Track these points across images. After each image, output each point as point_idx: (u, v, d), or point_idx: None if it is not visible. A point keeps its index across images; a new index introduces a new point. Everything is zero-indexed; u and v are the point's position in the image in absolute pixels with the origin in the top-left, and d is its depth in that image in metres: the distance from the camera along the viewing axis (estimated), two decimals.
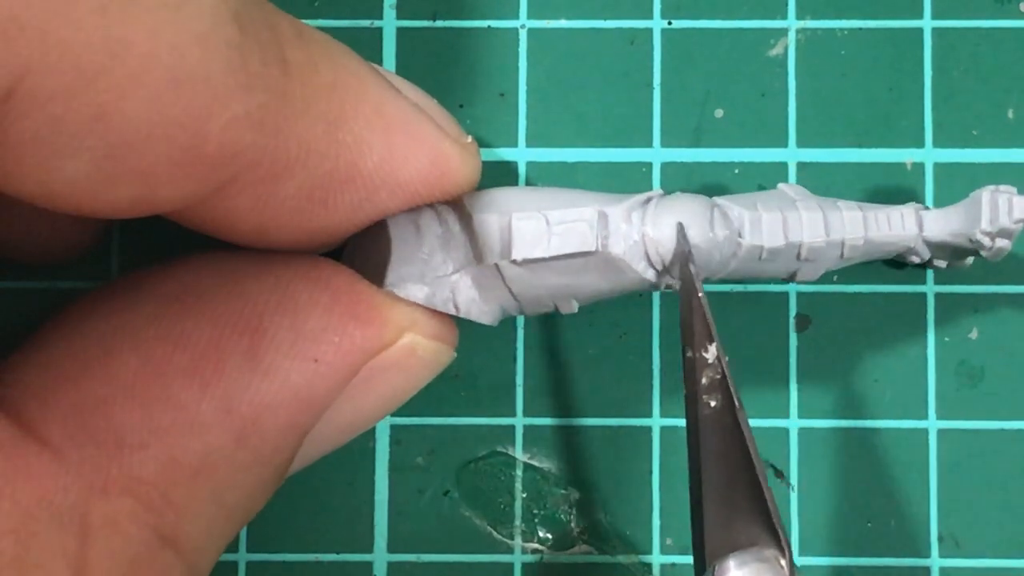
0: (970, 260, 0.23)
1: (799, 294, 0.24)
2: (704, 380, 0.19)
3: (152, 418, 0.18)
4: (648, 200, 0.20)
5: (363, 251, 0.21)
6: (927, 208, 0.22)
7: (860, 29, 0.24)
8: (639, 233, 0.20)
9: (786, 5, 0.24)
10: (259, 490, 0.19)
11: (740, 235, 0.21)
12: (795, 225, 0.21)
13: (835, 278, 0.24)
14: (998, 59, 0.24)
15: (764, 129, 0.24)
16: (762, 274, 0.21)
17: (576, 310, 0.21)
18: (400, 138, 0.19)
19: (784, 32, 0.24)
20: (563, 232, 0.20)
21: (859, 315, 0.24)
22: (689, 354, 0.19)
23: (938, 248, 0.22)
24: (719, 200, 0.21)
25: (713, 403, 0.19)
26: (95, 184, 0.16)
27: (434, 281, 0.20)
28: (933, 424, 0.24)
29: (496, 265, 0.20)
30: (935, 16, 0.24)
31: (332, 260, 0.20)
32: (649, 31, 0.24)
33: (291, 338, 0.19)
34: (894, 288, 0.24)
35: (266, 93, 0.17)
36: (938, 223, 0.22)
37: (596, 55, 0.24)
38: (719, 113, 0.24)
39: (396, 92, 0.20)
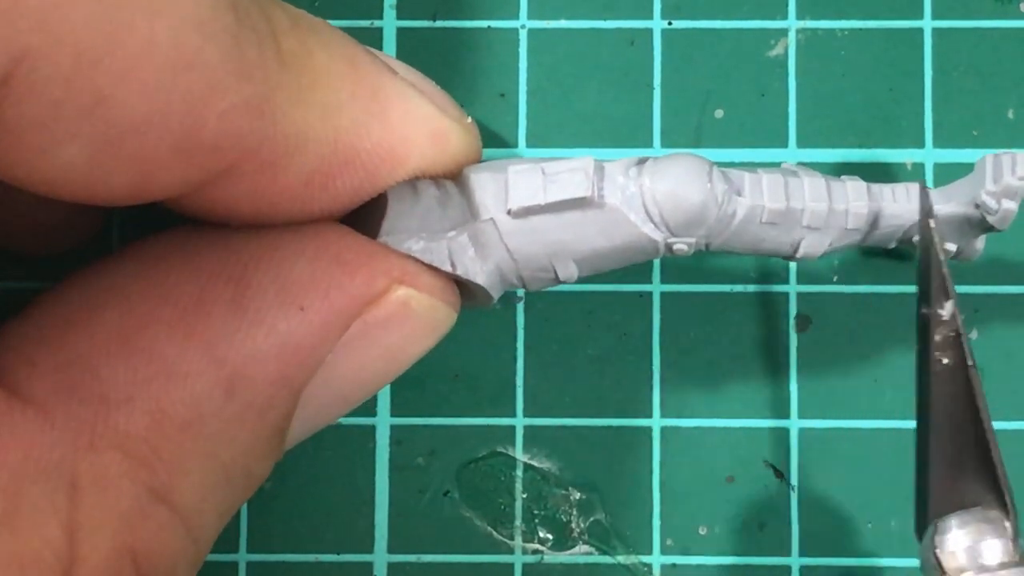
0: (980, 244, 0.22)
1: (799, 294, 0.24)
2: (938, 337, 0.19)
3: (137, 371, 0.18)
4: (646, 159, 0.20)
5: (357, 209, 0.20)
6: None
7: (860, 29, 0.24)
8: (636, 185, 0.20)
9: (786, 5, 0.24)
10: (256, 450, 0.19)
11: (739, 193, 0.20)
12: (797, 189, 0.21)
13: (835, 278, 0.24)
14: (998, 59, 0.24)
15: (764, 129, 0.24)
16: (763, 243, 0.21)
17: (576, 277, 0.21)
18: (398, 119, 0.19)
19: (784, 32, 0.24)
20: (559, 181, 0.20)
21: (859, 315, 0.24)
22: (924, 310, 0.19)
23: (945, 224, 0.22)
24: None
25: (945, 360, 0.19)
26: (92, 171, 0.16)
27: (430, 237, 0.20)
28: None
29: (492, 219, 0.20)
30: (935, 16, 0.24)
31: None
32: (649, 31, 0.24)
33: (276, 286, 0.18)
34: (894, 288, 0.24)
35: (262, 81, 0.17)
36: (943, 195, 0.22)
37: (596, 55, 0.24)
38: (719, 113, 0.24)
39: (392, 74, 0.20)
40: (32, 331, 0.18)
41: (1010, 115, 0.24)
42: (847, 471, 0.24)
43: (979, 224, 0.21)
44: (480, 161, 0.21)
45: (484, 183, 0.20)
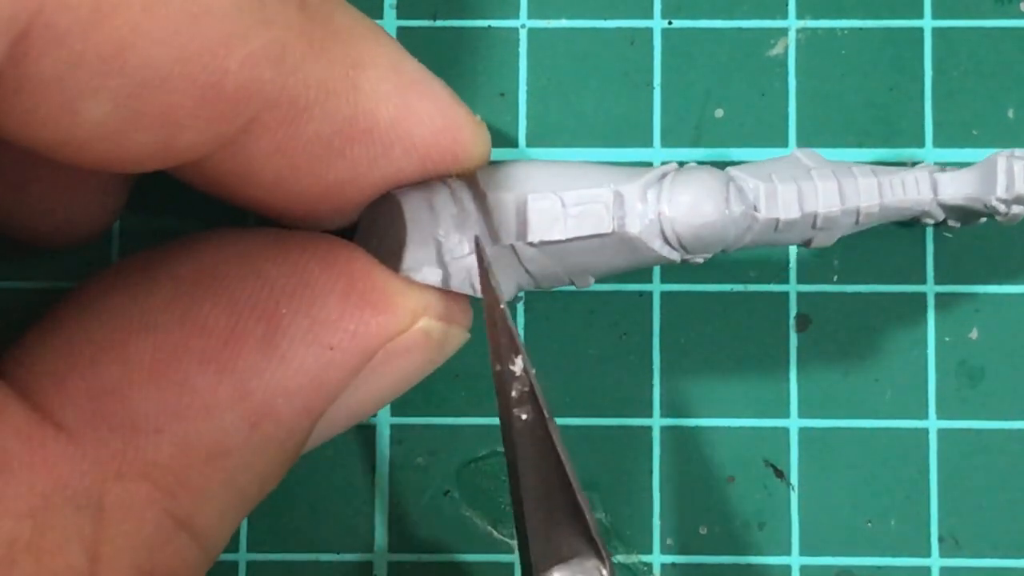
0: (983, 219, 0.23)
1: (799, 294, 0.24)
2: (514, 393, 0.19)
3: (167, 402, 0.18)
4: (663, 176, 0.20)
5: (378, 232, 0.21)
6: (942, 169, 0.22)
7: (860, 29, 0.24)
8: (655, 212, 0.20)
9: (786, 5, 0.24)
10: (273, 472, 0.19)
11: (755, 208, 0.20)
12: (810, 196, 0.21)
13: (835, 278, 0.24)
14: (998, 59, 0.24)
15: (764, 129, 0.24)
16: (777, 243, 0.21)
17: (592, 285, 0.21)
18: (415, 96, 0.19)
19: (784, 32, 0.24)
20: (579, 214, 0.20)
21: (859, 315, 0.24)
22: (497, 368, 0.19)
23: (952, 210, 0.22)
24: (733, 172, 0.21)
25: (524, 416, 0.19)
26: (116, 129, 0.16)
27: (450, 263, 0.20)
28: (933, 424, 0.24)
29: (512, 246, 0.20)
30: (935, 16, 0.24)
31: (348, 242, 0.20)
32: (649, 31, 0.24)
33: (307, 325, 0.19)
34: (894, 288, 0.24)
35: (284, 29, 0.17)
36: (953, 186, 0.22)
37: (596, 55, 0.24)
38: (719, 113, 0.24)
39: (409, 55, 0.20)
40: (62, 352, 0.18)
41: (1010, 115, 0.24)
42: (847, 471, 0.24)
43: (985, 215, 0.22)
44: (490, 154, 0.21)
45: (503, 206, 0.20)
